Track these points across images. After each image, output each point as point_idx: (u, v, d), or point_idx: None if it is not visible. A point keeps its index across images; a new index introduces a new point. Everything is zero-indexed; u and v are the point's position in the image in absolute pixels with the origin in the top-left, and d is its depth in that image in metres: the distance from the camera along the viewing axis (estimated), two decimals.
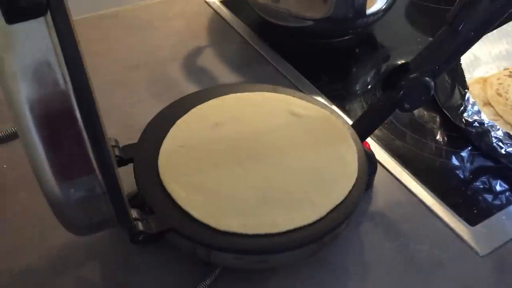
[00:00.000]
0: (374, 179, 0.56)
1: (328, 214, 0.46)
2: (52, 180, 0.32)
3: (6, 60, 0.28)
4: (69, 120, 0.30)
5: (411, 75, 0.50)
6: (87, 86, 0.30)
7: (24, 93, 0.29)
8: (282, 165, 0.50)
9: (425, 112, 0.68)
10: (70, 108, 0.30)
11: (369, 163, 0.52)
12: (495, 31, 0.72)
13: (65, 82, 0.29)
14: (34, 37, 0.29)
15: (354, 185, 0.48)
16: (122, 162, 0.49)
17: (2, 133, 0.59)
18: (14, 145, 0.60)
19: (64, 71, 0.29)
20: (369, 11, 0.73)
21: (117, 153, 0.49)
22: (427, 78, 0.50)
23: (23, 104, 0.29)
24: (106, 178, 0.32)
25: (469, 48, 0.51)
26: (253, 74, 0.72)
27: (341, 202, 0.47)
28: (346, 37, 0.80)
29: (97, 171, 0.32)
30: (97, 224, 0.36)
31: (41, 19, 0.28)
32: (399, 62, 0.51)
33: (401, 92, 0.50)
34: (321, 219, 0.46)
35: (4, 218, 0.52)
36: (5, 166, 0.57)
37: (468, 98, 0.61)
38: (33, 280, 0.47)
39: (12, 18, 0.27)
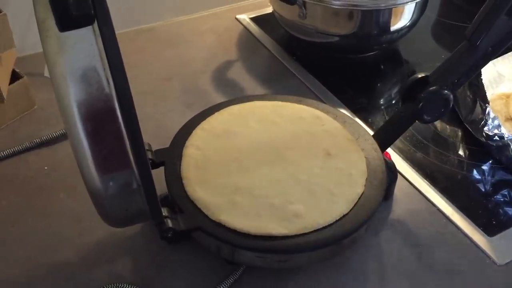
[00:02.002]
0: (394, 189, 0.58)
1: (348, 215, 0.48)
2: (94, 173, 0.35)
3: (58, 63, 0.32)
4: (110, 118, 0.33)
5: (431, 88, 0.52)
6: (128, 88, 0.33)
7: (72, 92, 0.32)
8: (297, 168, 0.52)
9: (448, 126, 0.70)
10: (112, 107, 0.33)
11: (389, 172, 0.54)
12: None
13: (108, 83, 0.33)
14: (83, 44, 0.32)
15: (367, 186, 0.51)
16: (154, 165, 0.53)
17: (44, 138, 0.63)
18: (56, 149, 0.64)
19: (108, 74, 0.33)
20: (394, 27, 0.76)
21: (149, 156, 0.52)
22: (446, 91, 0.52)
23: (71, 102, 0.32)
24: (141, 172, 0.36)
25: (487, 63, 0.53)
26: (280, 87, 0.75)
27: (361, 205, 0.49)
28: (371, 53, 0.82)
29: (134, 165, 0.35)
30: (132, 216, 0.39)
31: (89, 27, 0.32)
32: (419, 75, 0.53)
33: (421, 104, 0.52)
34: (342, 220, 0.48)
35: (44, 216, 0.56)
36: (46, 168, 0.61)
37: (488, 112, 0.62)
38: (68, 273, 0.51)
39: (64, 26, 0.31)
